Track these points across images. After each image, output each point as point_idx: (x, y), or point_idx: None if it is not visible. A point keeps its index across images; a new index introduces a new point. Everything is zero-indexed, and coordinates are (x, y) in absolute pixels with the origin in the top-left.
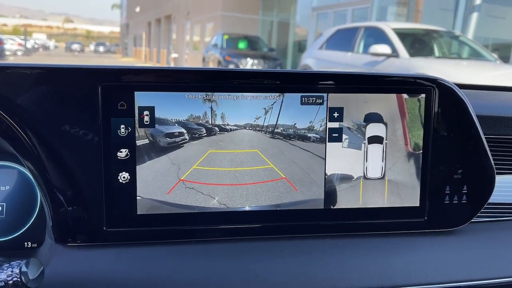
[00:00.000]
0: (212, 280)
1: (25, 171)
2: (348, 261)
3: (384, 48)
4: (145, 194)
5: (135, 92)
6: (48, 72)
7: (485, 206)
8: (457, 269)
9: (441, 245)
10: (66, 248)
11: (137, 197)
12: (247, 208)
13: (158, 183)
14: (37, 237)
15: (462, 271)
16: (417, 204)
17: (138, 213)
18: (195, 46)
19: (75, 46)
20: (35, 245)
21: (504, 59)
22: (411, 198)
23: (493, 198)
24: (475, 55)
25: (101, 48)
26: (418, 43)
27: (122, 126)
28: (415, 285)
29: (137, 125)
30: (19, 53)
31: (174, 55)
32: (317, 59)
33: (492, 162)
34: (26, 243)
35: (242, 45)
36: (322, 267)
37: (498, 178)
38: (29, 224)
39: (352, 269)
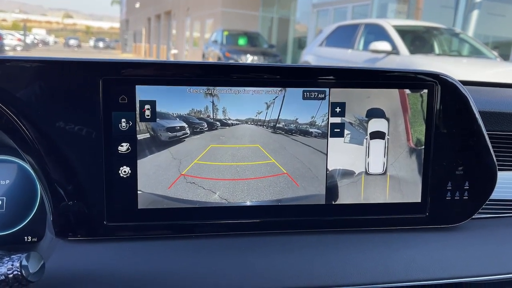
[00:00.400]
0: (213, 274)
1: (25, 165)
2: (349, 257)
3: (384, 45)
4: (146, 189)
5: (136, 86)
6: (49, 65)
7: (487, 202)
8: (458, 265)
9: (442, 241)
10: (67, 242)
11: (138, 192)
12: (248, 203)
13: (159, 177)
14: (37, 231)
15: (464, 267)
16: (419, 200)
17: (139, 208)
18: (195, 42)
19: (73, 42)
20: (35, 239)
21: (504, 57)
22: (413, 194)
23: (494, 195)
24: (475, 53)
25: (101, 44)
26: (418, 40)
27: (123, 120)
28: (416, 280)
29: (138, 119)
30: (18, 48)
31: (173, 51)
32: (317, 56)
33: (494, 158)
34: (26, 237)
35: (242, 41)
36: (323, 262)
37: (500, 174)
38: (29, 218)
39: (353, 265)
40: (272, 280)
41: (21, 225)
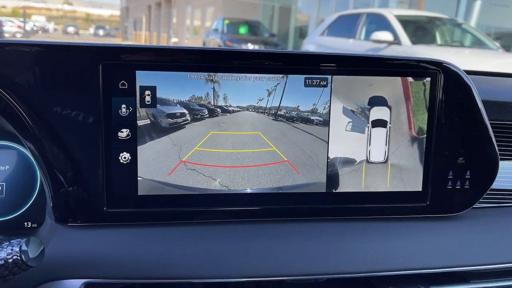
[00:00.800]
0: (212, 261)
1: (25, 151)
2: (349, 245)
3: (386, 35)
4: (146, 175)
5: (137, 71)
6: (48, 49)
7: (488, 192)
8: (458, 254)
9: (442, 230)
10: (67, 228)
11: (138, 178)
12: (248, 191)
13: (160, 164)
14: (37, 217)
15: (463, 256)
16: (420, 189)
17: (139, 194)
18: (195, 31)
19: (70, 29)
20: (35, 225)
21: (507, 48)
22: (414, 182)
23: (495, 184)
24: (477, 44)
25: (101, 32)
26: (420, 30)
27: (123, 105)
28: (416, 269)
29: (138, 105)
30: (18, 35)
31: (174, 39)
32: (319, 46)
33: (496, 148)
34: (26, 223)
35: (243, 30)
36: (323, 250)
37: (502, 164)
38: (29, 204)
39: (353, 253)
40: (272, 267)
41: (21, 211)
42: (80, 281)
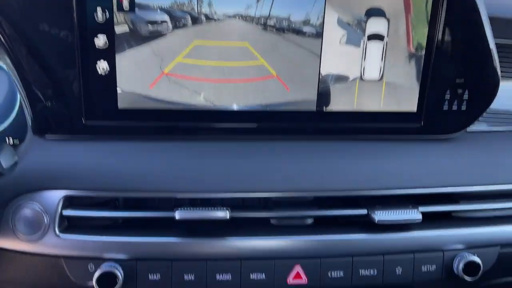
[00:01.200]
0: (196, 176)
1: (3, 66)
2: (338, 164)
3: None
4: (126, 87)
5: None
6: None
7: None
8: (448, 175)
9: (435, 151)
10: (46, 141)
11: (118, 90)
12: (235, 107)
13: (140, 75)
14: (19, 133)
15: (454, 177)
16: (414, 109)
17: (119, 108)
18: None
19: None
20: (17, 142)
21: None
22: (409, 102)
23: (493, 106)
24: None
25: None
26: None
27: (99, 8)
28: (407, 188)
29: (115, 9)
30: None
31: None
32: None
33: (498, 68)
34: (7, 138)
35: None
36: (310, 168)
37: (502, 84)
38: (10, 120)
39: (341, 172)
40: (258, 183)
41: (2, 128)
42: (60, 193)
